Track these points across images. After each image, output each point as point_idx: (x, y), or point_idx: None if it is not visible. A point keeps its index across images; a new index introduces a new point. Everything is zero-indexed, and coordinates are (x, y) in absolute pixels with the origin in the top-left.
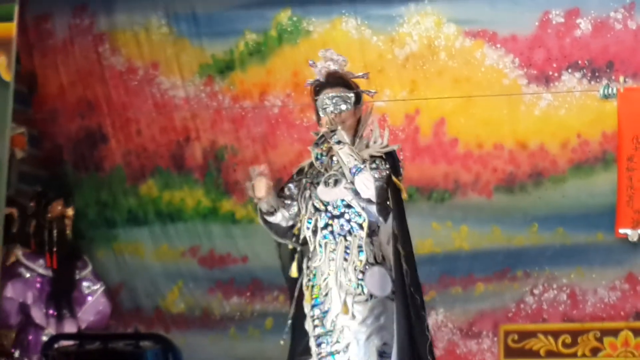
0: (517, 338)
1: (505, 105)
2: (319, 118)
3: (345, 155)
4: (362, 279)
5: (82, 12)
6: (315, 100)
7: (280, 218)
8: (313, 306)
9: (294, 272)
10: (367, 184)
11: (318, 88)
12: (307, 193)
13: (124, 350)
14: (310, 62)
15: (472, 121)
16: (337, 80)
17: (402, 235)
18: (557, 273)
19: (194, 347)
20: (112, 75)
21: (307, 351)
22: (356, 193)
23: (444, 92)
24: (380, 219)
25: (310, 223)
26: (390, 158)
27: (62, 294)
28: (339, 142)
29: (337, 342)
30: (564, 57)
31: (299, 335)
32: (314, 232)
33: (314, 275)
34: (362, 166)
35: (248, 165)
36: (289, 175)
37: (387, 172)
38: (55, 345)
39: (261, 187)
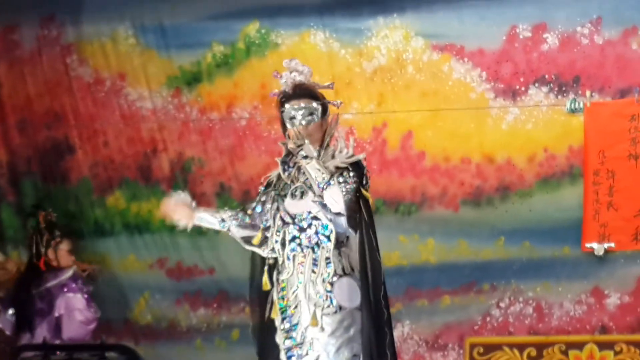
0: (482, 350)
1: (473, 119)
2: (284, 129)
3: (313, 169)
4: (330, 291)
5: (49, 23)
6: (282, 111)
7: (237, 233)
8: (283, 319)
9: (266, 285)
10: (336, 198)
11: (284, 99)
12: (275, 205)
13: None
14: (275, 73)
15: (440, 134)
16: (304, 91)
17: (370, 249)
18: (524, 286)
19: (161, 358)
20: (79, 87)
21: None
22: (324, 206)
23: (412, 105)
24: (350, 230)
25: (278, 235)
26: (357, 168)
27: (18, 309)
28: (306, 157)
29: (307, 354)
30: (531, 71)
31: (269, 348)
32: (283, 244)
33: (284, 287)
34: (330, 181)
35: (215, 178)
36: (256, 187)
37: (355, 184)
38: (20, 357)
39: (182, 213)
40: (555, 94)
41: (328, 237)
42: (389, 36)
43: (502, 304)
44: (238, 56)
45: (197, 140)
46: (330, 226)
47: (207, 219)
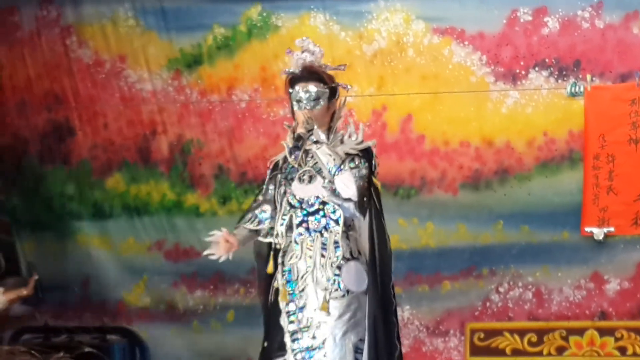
0: (483, 336)
1: (472, 102)
2: (293, 110)
3: (323, 155)
4: (338, 275)
5: (48, 4)
6: (290, 92)
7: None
8: (288, 302)
9: (270, 268)
10: (348, 184)
11: (293, 80)
12: (282, 189)
13: (90, 344)
14: (288, 50)
15: (439, 118)
16: (311, 74)
17: (379, 236)
18: (523, 271)
19: (157, 339)
20: (79, 68)
21: (283, 347)
22: (334, 192)
23: (412, 88)
24: (358, 215)
25: (285, 219)
26: (366, 154)
27: None
28: (316, 142)
29: (314, 338)
30: (531, 55)
31: (274, 332)
32: (289, 228)
33: (289, 271)
34: (342, 166)
35: (214, 159)
36: (254, 169)
37: (366, 170)
38: (22, 339)
39: (220, 249)
40: (555, 78)
41: (336, 221)
42: (389, 19)
43: (501, 289)
44: (239, 39)
45: (196, 122)
46: (339, 210)
47: (243, 233)
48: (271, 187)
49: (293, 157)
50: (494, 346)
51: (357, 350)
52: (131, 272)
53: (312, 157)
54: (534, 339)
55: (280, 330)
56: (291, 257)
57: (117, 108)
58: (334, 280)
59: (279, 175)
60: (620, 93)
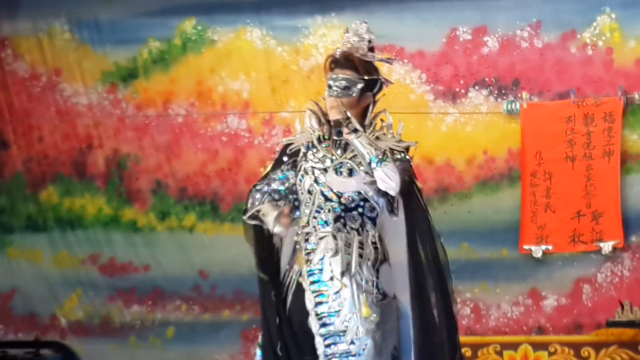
0: None
1: (412, 120)
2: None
3: (362, 145)
4: (377, 277)
5: None
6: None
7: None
8: (318, 303)
9: (301, 263)
10: (391, 175)
11: (333, 64)
12: (312, 178)
13: (23, 358)
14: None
15: None
16: (347, 61)
17: (434, 235)
18: (462, 287)
19: (93, 354)
20: (14, 81)
21: (309, 352)
22: (373, 184)
23: None
24: (390, 214)
25: (319, 213)
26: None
27: None
28: (355, 131)
29: (352, 343)
30: (471, 74)
31: (301, 336)
32: (325, 223)
33: (320, 270)
34: (384, 157)
35: (151, 174)
36: (193, 184)
37: (410, 167)
38: None
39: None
40: (495, 97)
41: (373, 220)
42: (327, 35)
43: None
44: (174, 52)
45: (133, 137)
46: (377, 208)
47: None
48: (290, 174)
49: (323, 145)
50: None
51: (394, 357)
52: (64, 285)
53: (344, 148)
54: (468, 353)
55: (303, 334)
56: (324, 256)
57: (52, 122)
58: (373, 283)
59: (304, 164)
60: (556, 110)
